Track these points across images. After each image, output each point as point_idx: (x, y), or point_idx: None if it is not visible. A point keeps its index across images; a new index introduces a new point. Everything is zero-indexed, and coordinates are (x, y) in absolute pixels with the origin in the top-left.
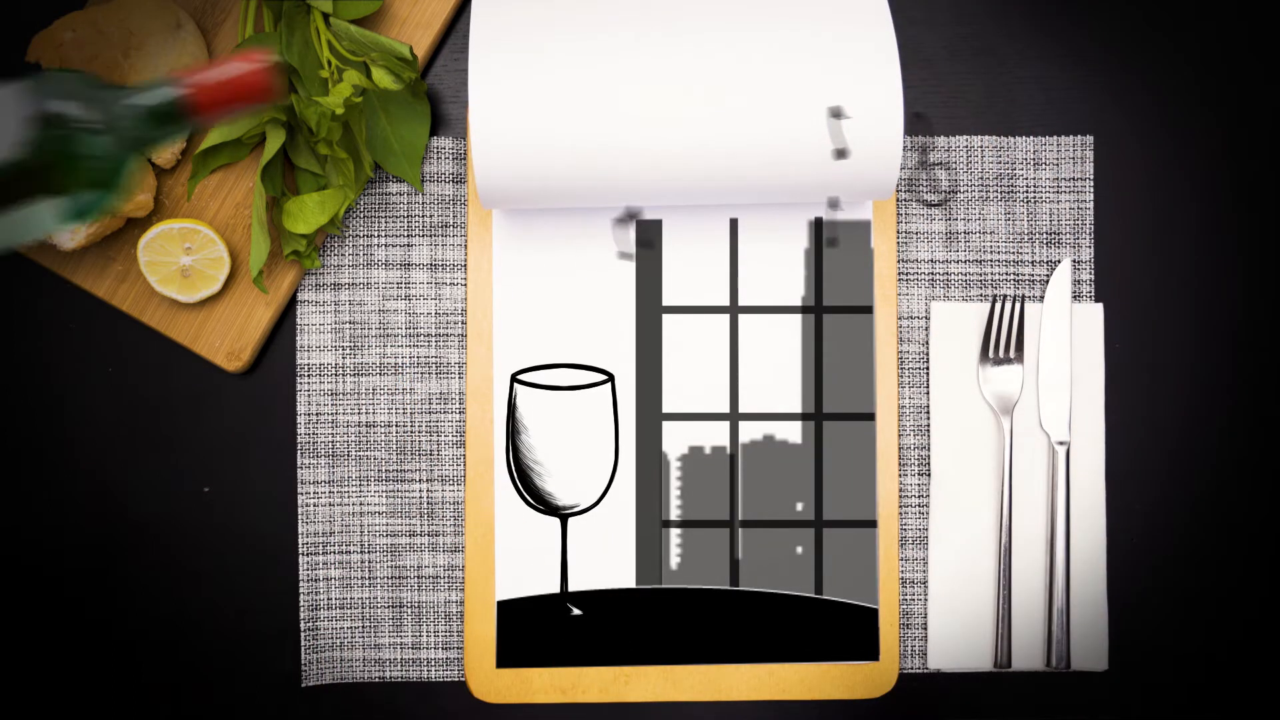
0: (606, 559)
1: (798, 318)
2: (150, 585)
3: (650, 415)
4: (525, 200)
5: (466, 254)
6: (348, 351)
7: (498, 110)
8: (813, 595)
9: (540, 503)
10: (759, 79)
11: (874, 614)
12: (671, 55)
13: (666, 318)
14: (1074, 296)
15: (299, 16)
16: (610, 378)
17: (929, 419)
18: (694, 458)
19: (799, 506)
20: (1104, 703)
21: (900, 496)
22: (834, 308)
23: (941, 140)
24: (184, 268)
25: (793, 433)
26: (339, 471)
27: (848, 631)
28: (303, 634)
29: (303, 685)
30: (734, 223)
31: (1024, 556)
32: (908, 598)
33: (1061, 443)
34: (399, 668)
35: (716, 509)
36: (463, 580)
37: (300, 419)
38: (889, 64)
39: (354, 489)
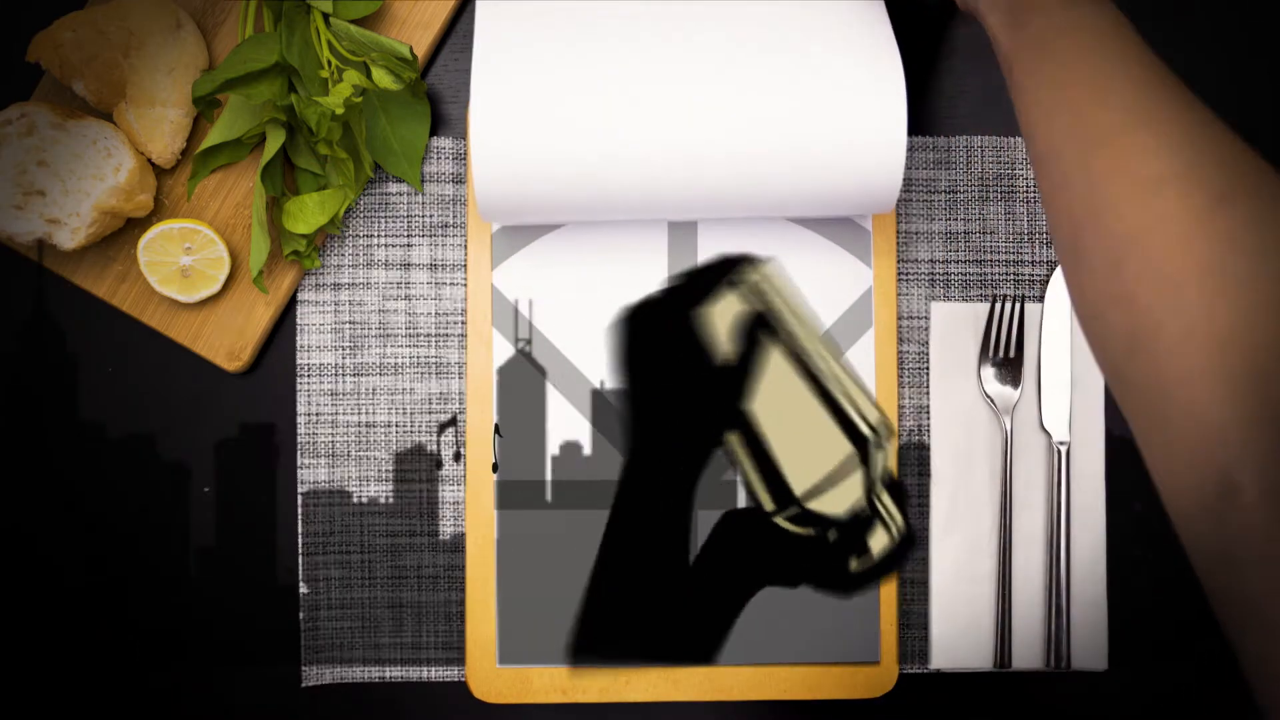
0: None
1: None
2: (150, 586)
3: None
4: (526, 215)
5: (466, 254)
6: (348, 351)
7: (498, 126)
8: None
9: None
10: (762, 90)
11: (874, 614)
12: (670, 63)
13: None
14: None
15: (299, 16)
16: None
17: (929, 419)
18: None
19: None
20: (1104, 702)
21: None
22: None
23: (941, 140)
24: (184, 268)
25: None
26: (339, 471)
27: (848, 631)
28: (303, 634)
29: (303, 685)
30: None
31: (1024, 556)
32: (908, 598)
33: (1061, 443)
34: (399, 668)
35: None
36: (463, 580)
37: (300, 419)
38: (890, 57)
39: (354, 489)
